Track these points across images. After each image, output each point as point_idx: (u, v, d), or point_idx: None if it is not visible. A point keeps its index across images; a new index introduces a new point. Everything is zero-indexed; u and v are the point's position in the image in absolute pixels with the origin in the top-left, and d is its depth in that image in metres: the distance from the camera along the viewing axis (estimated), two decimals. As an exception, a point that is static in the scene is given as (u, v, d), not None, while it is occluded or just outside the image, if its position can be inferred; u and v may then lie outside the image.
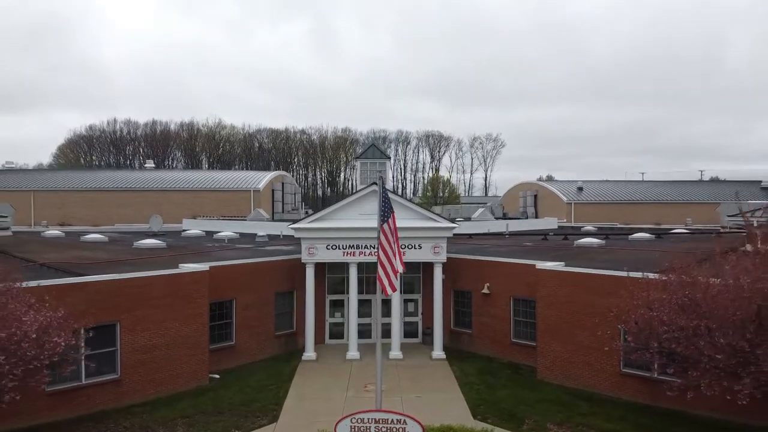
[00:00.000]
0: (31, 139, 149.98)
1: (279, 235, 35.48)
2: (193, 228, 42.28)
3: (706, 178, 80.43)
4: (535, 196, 64.35)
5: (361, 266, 24.77)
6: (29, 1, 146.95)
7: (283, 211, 56.87)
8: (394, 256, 14.02)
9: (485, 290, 24.54)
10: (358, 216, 24.00)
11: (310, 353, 24.18)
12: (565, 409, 18.27)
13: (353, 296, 24.68)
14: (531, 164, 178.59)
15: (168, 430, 16.80)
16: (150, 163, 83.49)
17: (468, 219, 46.59)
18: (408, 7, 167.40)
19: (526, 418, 17.56)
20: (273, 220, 48.23)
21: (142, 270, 20.58)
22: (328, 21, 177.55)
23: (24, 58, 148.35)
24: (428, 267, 25.55)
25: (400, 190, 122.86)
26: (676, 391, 14.53)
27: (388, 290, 14.11)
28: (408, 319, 26.99)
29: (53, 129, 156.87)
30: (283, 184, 59.78)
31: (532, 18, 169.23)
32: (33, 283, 15.94)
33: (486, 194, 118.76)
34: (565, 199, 60.78)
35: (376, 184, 21.65)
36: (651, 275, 16.03)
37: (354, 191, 27.72)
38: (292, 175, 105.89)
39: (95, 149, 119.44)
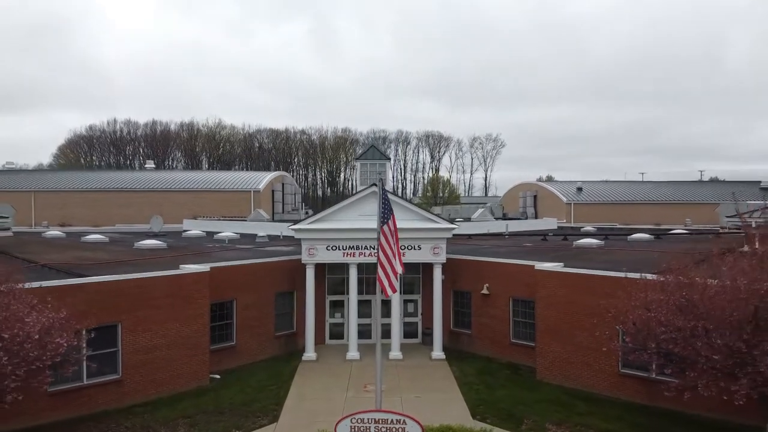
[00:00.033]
0: (31, 139, 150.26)
1: (279, 236, 35.57)
2: (194, 228, 42.37)
3: (705, 178, 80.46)
4: (535, 197, 64.42)
5: (361, 267, 24.88)
6: (29, 1, 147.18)
7: (283, 212, 56.92)
8: (394, 257, 14.13)
9: (485, 291, 24.64)
10: (358, 217, 24.11)
11: (310, 353, 24.29)
12: (563, 409, 18.38)
13: (353, 297, 24.78)
14: (531, 164, 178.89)
15: (169, 430, 16.91)
16: (150, 164, 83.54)
17: (468, 219, 46.67)
18: (408, 7, 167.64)
19: (525, 418, 17.67)
20: (273, 220, 48.31)
21: (143, 271, 20.70)
22: (328, 21, 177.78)
23: (24, 58, 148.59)
24: (428, 267, 25.65)
25: (400, 191, 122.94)
26: (673, 391, 14.62)
27: (389, 291, 14.22)
28: (408, 319, 27.10)
29: (53, 129, 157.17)
30: (283, 184, 59.85)
31: (532, 18, 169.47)
32: (35, 284, 16.04)
33: (486, 194, 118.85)
34: (564, 199, 60.86)
35: (376, 185, 21.74)
36: (649, 276, 16.14)
37: (354, 192, 27.84)
38: (292, 176, 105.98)
39: (95, 149, 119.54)
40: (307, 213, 45.97)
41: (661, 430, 16.74)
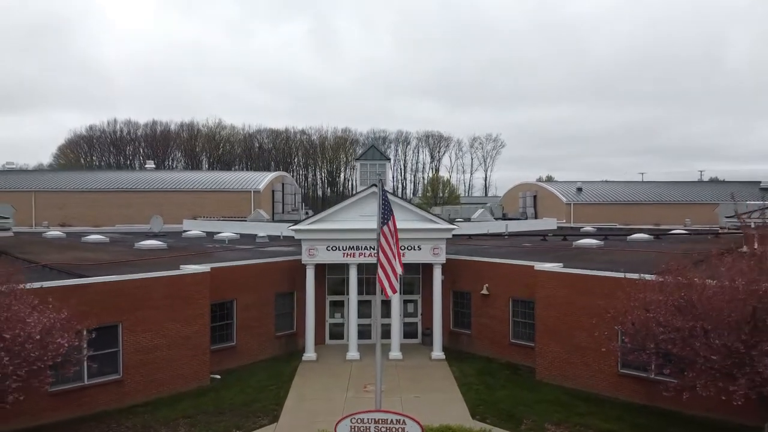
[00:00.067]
0: (31, 139, 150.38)
1: (279, 236, 35.61)
2: (194, 229, 42.40)
3: (705, 178, 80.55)
4: (535, 197, 64.49)
5: (361, 267, 24.94)
6: (29, 1, 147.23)
7: (283, 212, 56.99)
8: (395, 257, 14.19)
9: (484, 291, 24.70)
10: (358, 217, 24.16)
11: (310, 354, 24.35)
12: (563, 409, 18.44)
13: (353, 297, 24.84)
14: (531, 164, 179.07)
15: (170, 430, 16.96)
16: (150, 164, 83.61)
17: (468, 219, 46.72)
18: (408, 7, 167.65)
19: (525, 418, 17.72)
20: (273, 220, 48.36)
21: (143, 271, 20.75)
22: (328, 21, 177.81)
23: (24, 58, 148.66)
24: (428, 268, 25.70)
25: (399, 191, 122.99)
26: (672, 391, 14.69)
27: (389, 292, 14.30)
28: (407, 319, 27.16)
29: (53, 129, 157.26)
30: (283, 184, 59.91)
31: (532, 18, 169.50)
32: (36, 285, 16.08)
33: (486, 194, 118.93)
34: (564, 199, 60.94)
35: (375, 185, 21.79)
36: (648, 276, 16.20)
37: (354, 192, 27.88)
38: (292, 176, 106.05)
39: (95, 149, 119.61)
40: (307, 213, 46.01)
41: (660, 430, 16.79)
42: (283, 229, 34.81)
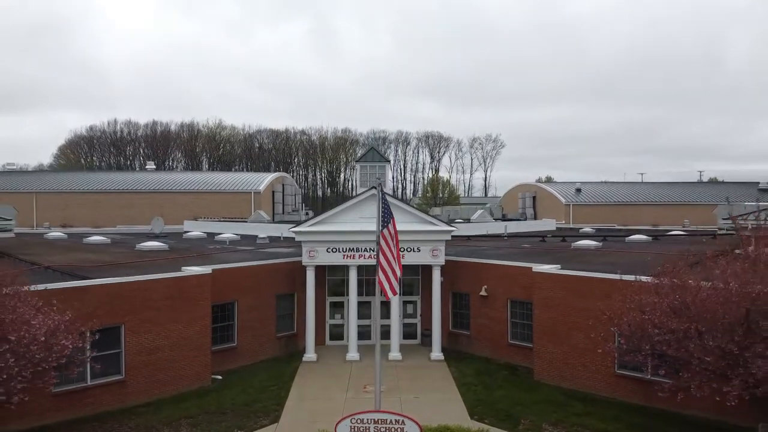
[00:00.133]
0: (32, 139, 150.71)
1: (280, 237, 35.80)
2: (195, 229, 42.59)
3: (705, 178, 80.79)
4: (534, 198, 64.72)
5: (360, 269, 25.14)
6: (29, 1, 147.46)
7: (283, 213, 57.17)
8: (395, 260, 14.40)
9: (483, 292, 24.90)
10: (358, 219, 24.36)
11: (310, 354, 24.55)
12: (560, 409, 18.64)
13: (353, 298, 25.04)
14: (531, 164, 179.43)
15: (172, 430, 17.16)
16: (151, 165, 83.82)
17: (467, 220, 46.89)
18: (408, 7, 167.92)
19: (522, 418, 17.92)
20: (273, 221, 48.55)
21: (145, 272, 20.96)
22: (328, 21, 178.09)
23: (24, 58, 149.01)
24: (427, 269, 25.90)
25: (399, 191, 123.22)
26: (667, 392, 14.89)
27: (389, 294, 14.52)
28: (407, 320, 27.36)
29: (53, 129, 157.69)
30: (283, 185, 60.11)
31: (532, 18, 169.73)
32: (40, 287, 16.27)
33: (486, 195, 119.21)
34: (563, 200, 61.16)
35: (375, 188, 21.98)
36: (644, 278, 16.40)
37: (354, 192, 28.05)
38: (292, 176, 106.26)
39: (96, 150, 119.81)
40: (307, 214, 46.16)
41: (657, 431, 16.99)
42: (283, 231, 34.99)
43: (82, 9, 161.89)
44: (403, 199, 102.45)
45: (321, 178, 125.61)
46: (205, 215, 53.10)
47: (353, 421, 11.81)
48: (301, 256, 25.00)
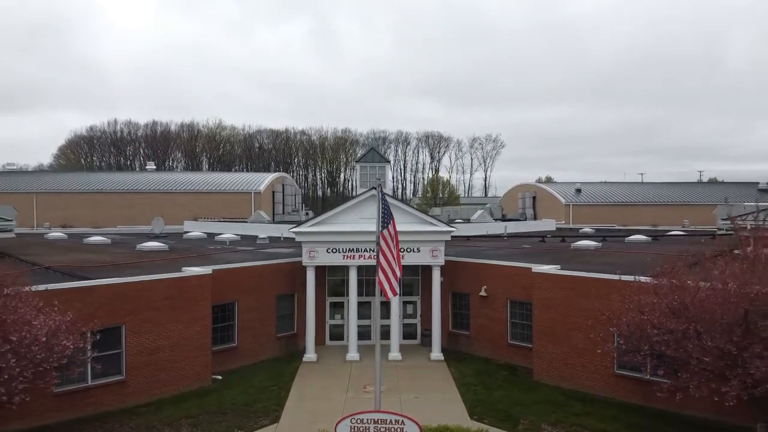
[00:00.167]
0: (32, 139, 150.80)
1: (280, 237, 35.85)
2: (195, 230, 42.64)
3: (705, 179, 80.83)
4: (534, 198, 64.77)
5: (360, 269, 25.20)
6: (29, 1, 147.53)
7: (283, 213, 57.23)
8: (395, 260, 14.47)
9: (483, 293, 24.96)
10: (358, 220, 24.42)
11: (310, 354, 24.61)
12: (559, 409, 18.70)
13: (353, 298, 25.10)
14: (531, 164, 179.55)
15: (173, 430, 17.22)
16: (151, 165, 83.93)
17: (467, 220, 46.95)
18: (408, 7, 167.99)
19: (522, 418, 17.97)
20: (273, 221, 48.62)
21: (145, 273, 21.03)
22: (328, 21, 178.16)
23: (24, 58, 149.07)
24: (427, 269, 25.95)
25: (399, 191, 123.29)
26: (665, 392, 14.94)
27: (389, 294, 14.59)
28: (407, 321, 27.42)
29: (53, 129, 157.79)
30: (283, 185, 60.15)
31: (532, 18, 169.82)
32: (41, 287, 16.35)
33: (486, 195, 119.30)
34: (563, 200, 61.22)
35: (375, 189, 22.03)
36: (642, 279, 16.46)
37: (354, 192, 28.11)
38: (292, 176, 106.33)
39: (96, 150, 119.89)
40: (307, 214, 46.22)
41: (656, 431, 17.05)
42: (283, 231, 35.05)
43: (82, 9, 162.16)
44: (402, 200, 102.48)
45: (321, 178, 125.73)
46: (205, 215, 53.16)
47: (353, 421, 11.86)
48: (301, 256, 25.06)
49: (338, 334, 27.20)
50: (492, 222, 45.08)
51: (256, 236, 36.98)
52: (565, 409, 18.66)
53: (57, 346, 14.02)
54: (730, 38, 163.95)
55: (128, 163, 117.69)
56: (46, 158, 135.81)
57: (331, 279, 27.22)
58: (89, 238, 35.31)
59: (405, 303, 27.17)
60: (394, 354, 24.50)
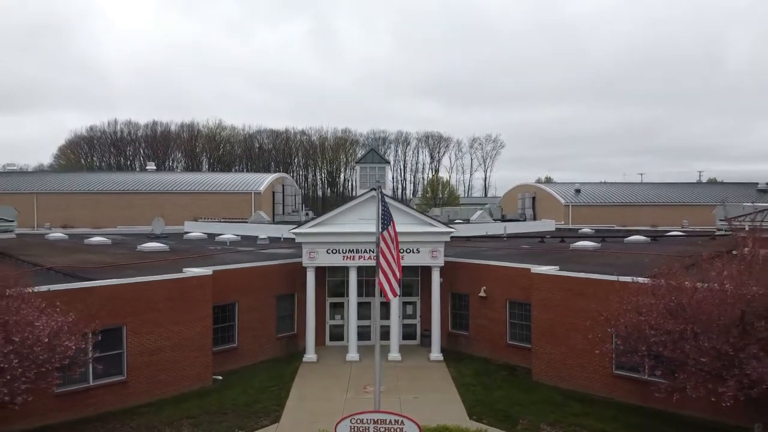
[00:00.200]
0: (32, 139, 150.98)
1: (280, 238, 35.93)
2: (195, 230, 42.71)
3: (704, 179, 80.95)
4: (534, 198, 64.87)
5: (360, 270, 25.30)
6: (29, 1, 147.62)
7: (283, 213, 57.34)
8: (395, 262, 14.58)
9: (482, 293, 25.06)
10: (357, 221, 24.52)
11: (310, 355, 24.71)
12: (558, 409, 18.80)
13: (353, 299, 25.20)
14: (531, 164, 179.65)
15: (174, 430, 17.32)
16: (151, 165, 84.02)
17: (467, 221, 47.03)
18: (408, 7, 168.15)
19: (521, 418, 18.08)
20: (274, 222, 48.73)
21: (146, 273, 21.13)
22: (328, 21, 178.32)
23: (24, 58, 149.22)
24: (426, 270, 26.06)
25: (399, 191, 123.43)
26: (663, 392, 15.05)
27: (390, 296, 14.71)
28: (407, 321, 27.52)
29: (53, 129, 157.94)
30: (283, 186, 60.26)
31: (532, 18, 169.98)
32: (44, 288, 16.46)
33: (485, 195, 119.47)
34: (562, 201, 61.34)
35: (375, 190, 22.13)
36: (640, 280, 16.56)
37: (354, 193, 28.20)
38: (292, 176, 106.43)
39: (96, 150, 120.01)
40: (307, 214, 46.32)
41: (654, 431, 17.15)
42: (283, 231, 35.13)
43: (82, 9, 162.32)
44: (402, 200, 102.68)
45: (321, 179, 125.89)
46: (205, 216, 53.25)
47: (353, 421, 11.96)
48: (301, 257, 25.16)
49: (338, 334, 27.30)
50: (491, 222, 45.15)
51: (257, 237, 37.05)
52: (564, 409, 18.76)
53: (59, 346, 14.11)
54: (730, 38, 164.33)
55: (128, 163, 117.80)
56: (46, 158, 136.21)
57: (331, 279, 27.32)
58: (90, 239, 35.38)
59: (404, 303, 27.27)
60: (394, 354, 24.60)
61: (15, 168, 79.48)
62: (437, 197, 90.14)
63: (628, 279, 17.37)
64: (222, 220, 50.87)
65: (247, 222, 46.51)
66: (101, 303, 18.22)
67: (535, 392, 20.50)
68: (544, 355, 21.72)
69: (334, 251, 24.74)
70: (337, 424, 12.11)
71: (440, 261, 25.07)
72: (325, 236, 24.67)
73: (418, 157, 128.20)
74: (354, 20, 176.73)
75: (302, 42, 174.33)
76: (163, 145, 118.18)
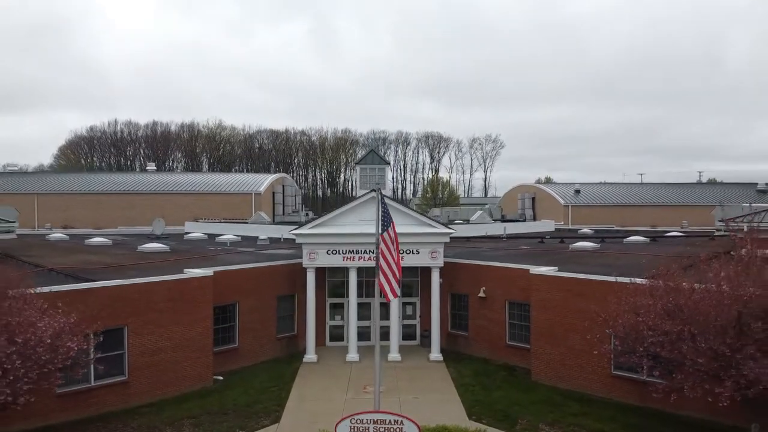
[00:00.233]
0: (32, 139, 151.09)
1: (280, 238, 36.02)
2: (195, 231, 42.82)
3: (704, 179, 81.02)
4: (533, 199, 64.89)
5: (360, 270, 25.39)
6: (29, 1, 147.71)
7: (283, 213, 57.37)
8: (395, 263, 14.68)
9: (481, 294, 25.16)
10: (357, 222, 24.62)
11: (311, 355, 24.81)
12: (557, 409, 18.90)
13: (353, 299, 25.30)
14: (530, 164, 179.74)
15: (175, 430, 17.42)
16: (152, 166, 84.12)
17: (467, 221, 47.12)
18: (408, 7, 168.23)
19: (520, 418, 18.18)
20: (274, 222, 48.80)
21: (147, 274, 21.22)
22: (328, 21, 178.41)
23: (24, 58, 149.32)
24: (426, 271, 26.15)
25: (399, 191, 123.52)
26: (661, 393, 15.15)
27: (390, 296, 14.82)
28: (406, 321, 27.63)
29: (53, 129, 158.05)
30: (283, 186, 60.24)
31: (532, 18, 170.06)
32: (46, 289, 16.55)
33: (485, 195, 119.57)
34: (562, 201, 61.44)
35: (375, 191, 22.22)
36: (638, 280, 16.66)
37: (354, 193, 28.29)
38: (292, 176, 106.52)
39: (96, 150, 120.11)
40: (307, 215, 46.38)
41: (652, 431, 17.25)
42: (283, 232, 35.19)
43: (82, 9, 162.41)
44: (402, 201, 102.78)
45: (321, 179, 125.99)
46: (205, 216, 53.35)
47: (353, 421, 12.05)
48: (301, 257, 25.27)
49: (338, 335, 27.40)
50: (491, 223, 45.21)
51: (257, 237, 37.15)
52: (563, 410, 18.86)
53: (61, 347, 14.20)
54: (730, 38, 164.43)
55: (128, 163, 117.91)
56: (46, 158, 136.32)
57: (331, 280, 27.42)
58: (90, 240, 35.49)
59: (404, 304, 27.37)
60: (394, 355, 24.70)
61: (15, 168, 79.62)
62: (437, 197, 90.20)
63: (626, 280, 17.47)
64: (222, 220, 50.99)
65: (247, 222, 46.61)
66: (103, 304, 18.33)
67: (534, 392, 20.59)
68: (543, 356, 21.82)
69: (334, 252, 24.85)
70: (337, 425, 12.20)
71: (440, 261, 25.17)
72: (325, 237, 24.78)
73: (418, 157, 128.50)
74: (354, 20, 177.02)
75: (302, 42, 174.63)
76: (164, 146, 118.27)
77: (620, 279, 18.08)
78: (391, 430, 11.95)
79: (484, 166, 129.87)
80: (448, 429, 15.66)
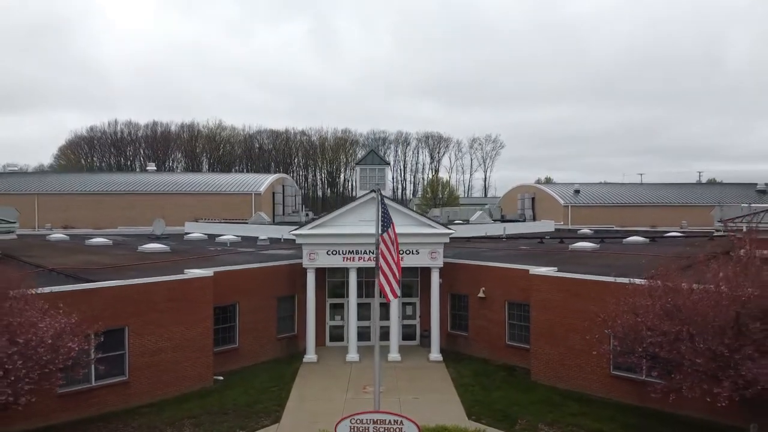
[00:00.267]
0: (32, 139, 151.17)
1: (280, 239, 36.06)
2: (196, 231, 42.86)
3: (704, 179, 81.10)
4: (533, 199, 64.91)
5: (360, 271, 25.45)
6: (29, 1, 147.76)
7: (283, 214, 57.40)
8: (395, 263, 14.74)
9: (481, 294, 25.21)
10: (357, 222, 24.68)
11: (311, 355, 24.87)
12: (556, 409, 18.96)
13: (353, 300, 25.36)
14: (530, 164, 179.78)
15: (175, 430, 17.48)
16: (152, 166, 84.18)
17: (466, 221, 47.15)
18: (408, 7, 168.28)
19: (519, 418, 18.23)
20: (274, 223, 48.83)
21: (147, 275, 21.27)
22: (328, 21, 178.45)
23: (24, 58, 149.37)
24: (426, 271, 26.21)
25: (399, 192, 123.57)
26: (659, 393, 15.21)
27: (390, 297, 14.87)
28: (406, 322, 27.68)
29: (53, 129, 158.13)
30: (283, 186, 60.28)
31: (532, 18, 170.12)
32: (47, 290, 16.61)
33: (485, 195, 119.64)
34: (562, 201, 61.49)
35: (375, 191, 22.27)
36: (637, 281, 16.71)
37: (354, 193, 28.33)
38: (292, 176, 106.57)
39: (96, 150, 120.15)
40: (307, 215, 46.43)
41: (651, 431, 17.30)
42: (283, 232, 35.24)
43: (82, 9, 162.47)
44: (402, 201, 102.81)
45: (321, 179, 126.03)
46: (205, 216, 53.38)
47: (353, 421, 12.10)
48: (301, 258, 25.32)
49: (338, 335, 27.45)
50: (491, 223, 45.23)
51: (257, 237, 37.20)
52: (562, 410, 18.92)
53: (62, 347, 14.26)
54: (730, 38, 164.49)
55: (128, 163, 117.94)
56: (46, 158, 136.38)
57: (331, 280, 27.47)
58: (91, 240, 35.53)
59: (404, 304, 27.43)
60: (394, 355, 24.76)
61: (15, 168, 79.73)
62: (437, 197, 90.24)
63: (625, 280, 17.52)
64: (222, 220, 51.02)
65: (247, 223, 46.64)
66: (103, 304, 18.40)
67: (534, 392, 20.65)
68: (542, 356, 21.88)
69: (334, 252, 24.90)
70: (337, 425, 12.25)
71: (439, 262, 25.23)
72: (325, 237, 24.84)
73: (418, 157, 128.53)
74: (354, 20, 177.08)
75: (302, 42, 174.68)
76: (164, 146, 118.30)
77: (619, 279, 18.14)
78: (391, 430, 11.99)
79: (484, 166, 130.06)
80: (448, 429, 15.72)
